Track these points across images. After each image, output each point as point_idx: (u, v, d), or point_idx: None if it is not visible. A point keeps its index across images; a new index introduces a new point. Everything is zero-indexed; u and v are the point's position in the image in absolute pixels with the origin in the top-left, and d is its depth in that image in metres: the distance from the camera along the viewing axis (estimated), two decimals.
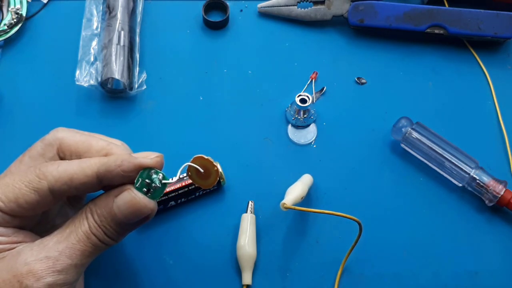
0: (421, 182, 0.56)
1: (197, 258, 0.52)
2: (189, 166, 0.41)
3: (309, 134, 0.58)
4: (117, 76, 0.56)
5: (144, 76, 0.58)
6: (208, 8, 0.63)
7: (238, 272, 0.52)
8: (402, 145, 0.57)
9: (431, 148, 0.55)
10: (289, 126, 0.58)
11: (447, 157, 0.55)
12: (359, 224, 0.49)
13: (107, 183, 0.39)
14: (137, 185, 0.39)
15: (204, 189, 0.53)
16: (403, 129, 0.56)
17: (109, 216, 0.39)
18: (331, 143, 0.58)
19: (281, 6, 0.63)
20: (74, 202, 0.46)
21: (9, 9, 0.60)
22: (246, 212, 0.53)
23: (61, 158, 0.42)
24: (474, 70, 0.62)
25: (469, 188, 0.55)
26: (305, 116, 0.57)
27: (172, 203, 0.53)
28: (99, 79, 0.57)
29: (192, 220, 0.54)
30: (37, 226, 0.42)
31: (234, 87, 0.60)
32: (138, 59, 0.59)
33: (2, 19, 0.60)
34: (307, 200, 0.54)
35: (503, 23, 0.60)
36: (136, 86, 0.58)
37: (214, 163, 0.41)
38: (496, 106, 0.60)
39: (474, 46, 0.63)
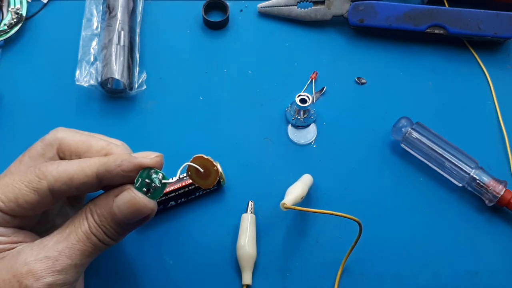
0: (421, 182, 0.56)
1: (197, 258, 0.52)
2: (189, 165, 0.41)
3: (309, 134, 0.58)
4: (117, 76, 0.56)
5: (144, 76, 0.58)
6: (208, 8, 0.63)
7: (238, 272, 0.52)
8: (402, 145, 0.57)
9: (431, 148, 0.55)
10: (289, 126, 0.58)
11: (447, 157, 0.55)
12: (359, 224, 0.49)
13: (107, 183, 0.39)
14: (137, 185, 0.39)
15: (204, 189, 0.53)
16: (403, 129, 0.56)
17: (109, 216, 0.39)
18: (331, 143, 0.58)
19: (281, 6, 0.63)
20: (74, 202, 0.47)
21: (9, 9, 0.60)
22: (246, 212, 0.53)
23: (61, 158, 0.42)
24: (474, 70, 0.62)
25: (469, 188, 0.55)
26: (305, 116, 0.57)
27: (172, 203, 0.53)
28: (99, 79, 0.57)
29: (192, 220, 0.54)
30: (37, 226, 0.42)
31: (234, 87, 0.60)
32: (138, 59, 0.59)
33: (2, 19, 0.60)
34: (307, 200, 0.54)
35: (503, 23, 0.60)
36: (136, 86, 0.58)
37: (214, 163, 0.41)
38: (496, 106, 0.60)
39: (474, 46, 0.63)
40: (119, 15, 0.59)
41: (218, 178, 0.42)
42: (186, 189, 0.52)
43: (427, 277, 0.52)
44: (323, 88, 0.60)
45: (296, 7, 0.63)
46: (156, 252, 0.52)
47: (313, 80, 0.61)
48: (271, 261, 0.52)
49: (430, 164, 0.56)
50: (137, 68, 0.59)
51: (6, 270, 0.37)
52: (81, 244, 0.38)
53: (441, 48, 0.63)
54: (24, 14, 0.60)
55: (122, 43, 0.57)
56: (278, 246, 0.53)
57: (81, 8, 0.61)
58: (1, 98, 0.58)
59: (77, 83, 0.57)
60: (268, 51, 0.62)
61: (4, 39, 0.59)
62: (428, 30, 0.61)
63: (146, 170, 0.39)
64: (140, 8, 0.62)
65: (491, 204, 0.54)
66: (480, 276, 0.53)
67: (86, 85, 0.57)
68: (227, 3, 0.62)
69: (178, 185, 0.52)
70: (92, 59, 0.58)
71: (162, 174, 0.39)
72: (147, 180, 0.39)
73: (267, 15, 0.64)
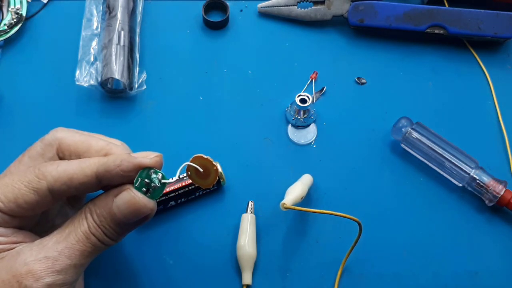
0: (421, 182, 0.56)
1: (197, 258, 0.52)
2: (189, 165, 0.41)
3: (309, 134, 0.58)
4: (117, 76, 0.56)
5: (144, 76, 0.58)
6: (208, 8, 0.63)
7: (238, 272, 0.52)
8: (402, 145, 0.57)
9: (431, 148, 0.55)
10: (289, 126, 0.58)
11: (447, 157, 0.55)
12: (359, 224, 0.49)
13: (106, 183, 0.39)
14: (136, 185, 0.39)
15: (204, 189, 0.53)
16: (403, 129, 0.56)
17: (109, 216, 0.39)
18: (331, 143, 0.58)
19: (281, 6, 0.63)
20: (74, 202, 0.47)
21: (9, 9, 0.60)
22: (246, 212, 0.53)
23: (61, 158, 0.42)
24: (474, 70, 0.62)
25: (469, 188, 0.55)
26: (305, 116, 0.57)
27: (172, 203, 0.53)
28: (99, 79, 0.57)
29: (192, 220, 0.54)
30: (37, 226, 0.42)
31: (234, 87, 0.60)
32: (138, 59, 0.59)
33: (2, 19, 0.60)
34: (307, 200, 0.54)
35: (503, 23, 0.60)
36: (136, 86, 0.58)
37: (214, 163, 0.41)
38: (496, 106, 0.60)
39: (474, 46, 0.63)
40: (119, 15, 0.59)
41: (217, 178, 0.42)
42: (186, 189, 0.52)
43: (427, 277, 0.52)
44: (323, 88, 0.60)
45: (296, 7, 0.63)
46: (156, 252, 0.52)
47: (313, 80, 0.61)
48: (271, 261, 0.52)
49: (430, 164, 0.56)
50: (137, 68, 0.59)
51: (5, 270, 0.37)
52: (81, 244, 0.38)
53: (441, 48, 0.63)
54: (24, 14, 0.60)
55: (122, 43, 0.57)
56: (278, 246, 0.53)
57: (81, 8, 0.61)
58: (1, 98, 0.58)
59: (77, 83, 0.57)
60: (268, 51, 0.62)
61: (4, 39, 0.59)
62: (428, 30, 0.61)
63: (145, 170, 0.39)
64: (140, 8, 0.62)
65: (491, 204, 0.54)
66: (480, 276, 0.52)
67: (86, 85, 0.57)
68: (227, 3, 0.62)
69: (178, 185, 0.52)
70: (92, 59, 0.58)
71: (162, 174, 0.39)
72: (146, 180, 0.39)
73: (267, 15, 0.64)
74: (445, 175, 0.55)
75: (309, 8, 0.63)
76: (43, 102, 0.58)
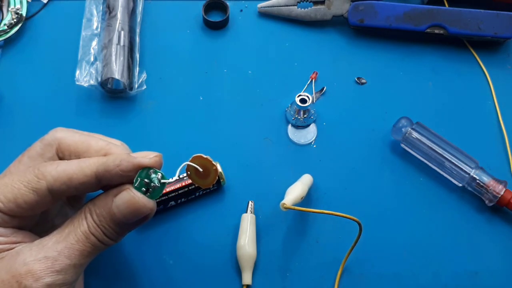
0: (421, 182, 0.56)
1: (197, 258, 0.52)
2: (188, 165, 0.41)
3: (309, 134, 0.58)
4: (117, 76, 0.56)
5: (144, 76, 0.58)
6: (208, 8, 0.63)
7: (238, 272, 0.52)
8: (402, 145, 0.56)
9: (431, 148, 0.55)
10: (289, 126, 0.58)
11: (447, 157, 0.54)
12: (359, 224, 0.49)
13: (106, 183, 0.39)
14: (136, 185, 0.39)
15: (203, 189, 0.53)
16: (403, 129, 0.56)
17: (108, 216, 0.38)
18: (331, 143, 0.58)
19: (281, 6, 0.63)
20: (74, 202, 0.47)
21: (9, 9, 0.60)
22: (246, 212, 0.53)
23: (60, 158, 0.42)
24: (474, 70, 0.62)
25: (469, 188, 0.55)
26: (305, 116, 0.57)
27: (172, 203, 0.53)
28: (99, 79, 0.57)
29: (192, 220, 0.54)
30: (37, 226, 0.42)
31: (234, 87, 0.60)
32: (138, 59, 0.59)
33: (2, 19, 0.60)
34: (307, 200, 0.54)
35: (503, 23, 0.60)
36: (136, 86, 0.58)
37: (213, 163, 0.41)
38: (496, 106, 0.60)
39: (474, 46, 0.63)
40: (119, 15, 0.59)
41: (217, 178, 0.42)
42: (186, 189, 0.52)
43: (427, 277, 0.52)
44: (323, 88, 0.60)
45: (296, 7, 0.63)
46: (156, 252, 0.52)
47: (313, 80, 0.61)
48: (271, 261, 0.52)
49: (430, 164, 0.56)
50: (137, 68, 0.59)
51: (5, 271, 0.37)
52: (80, 244, 0.38)
53: (441, 48, 0.63)
54: (24, 14, 0.60)
55: (122, 43, 0.57)
56: (278, 246, 0.53)
57: (81, 8, 0.61)
58: (1, 98, 0.58)
59: (77, 83, 0.57)
60: (268, 51, 0.62)
61: (4, 39, 0.59)
62: (428, 30, 0.61)
63: (145, 170, 0.39)
64: (140, 8, 0.62)
65: (491, 204, 0.54)
66: (480, 276, 0.52)
67: (86, 85, 0.57)
68: (227, 3, 0.62)
69: (178, 185, 0.52)
70: (92, 59, 0.58)
71: (161, 173, 0.39)
72: (146, 180, 0.39)
73: (267, 15, 0.64)
74: (445, 175, 0.55)
75: (309, 8, 0.63)
76: (43, 102, 0.58)
